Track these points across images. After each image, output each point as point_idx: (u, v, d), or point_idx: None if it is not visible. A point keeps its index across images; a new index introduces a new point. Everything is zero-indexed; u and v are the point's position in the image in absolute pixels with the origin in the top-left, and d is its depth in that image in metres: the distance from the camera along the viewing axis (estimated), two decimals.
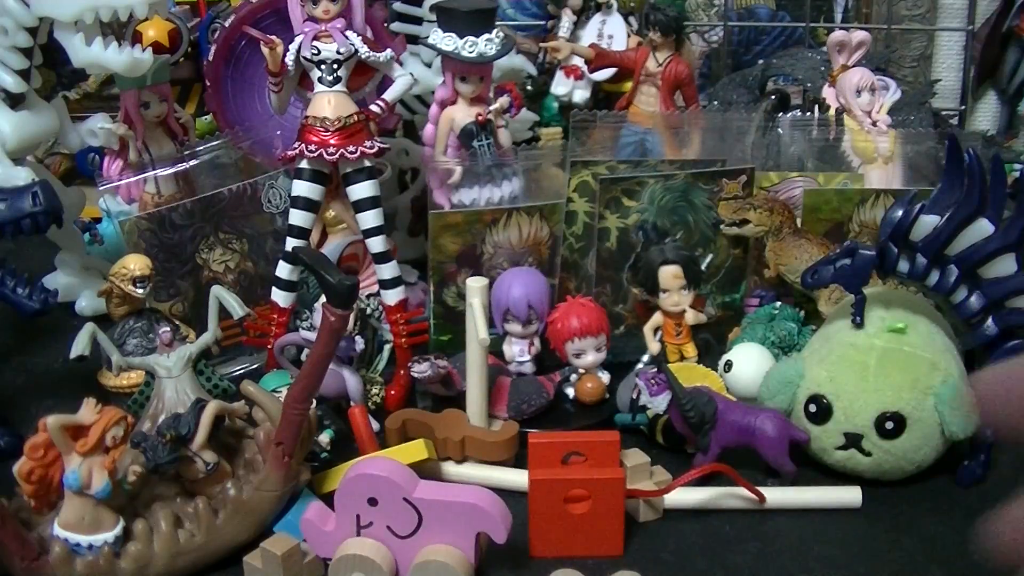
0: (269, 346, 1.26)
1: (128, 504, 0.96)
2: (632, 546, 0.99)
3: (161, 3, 1.29)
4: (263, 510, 0.99)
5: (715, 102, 1.65)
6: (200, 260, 1.36)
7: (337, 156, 1.19)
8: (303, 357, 1.26)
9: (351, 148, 1.20)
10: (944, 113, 1.79)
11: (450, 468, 1.11)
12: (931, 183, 1.27)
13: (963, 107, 1.88)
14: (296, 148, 1.21)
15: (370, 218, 1.23)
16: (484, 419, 1.14)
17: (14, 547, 0.90)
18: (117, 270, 1.28)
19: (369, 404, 1.22)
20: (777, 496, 1.04)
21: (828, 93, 1.50)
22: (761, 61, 1.71)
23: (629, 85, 1.52)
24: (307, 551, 0.95)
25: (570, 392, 1.23)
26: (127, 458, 0.96)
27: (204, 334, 1.25)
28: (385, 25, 1.48)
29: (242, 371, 1.33)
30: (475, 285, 1.13)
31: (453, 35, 1.24)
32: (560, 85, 1.59)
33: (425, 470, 1.04)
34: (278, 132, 1.42)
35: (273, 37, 1.20)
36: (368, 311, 1.28)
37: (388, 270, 1.26)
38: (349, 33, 1.20)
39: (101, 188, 1.38)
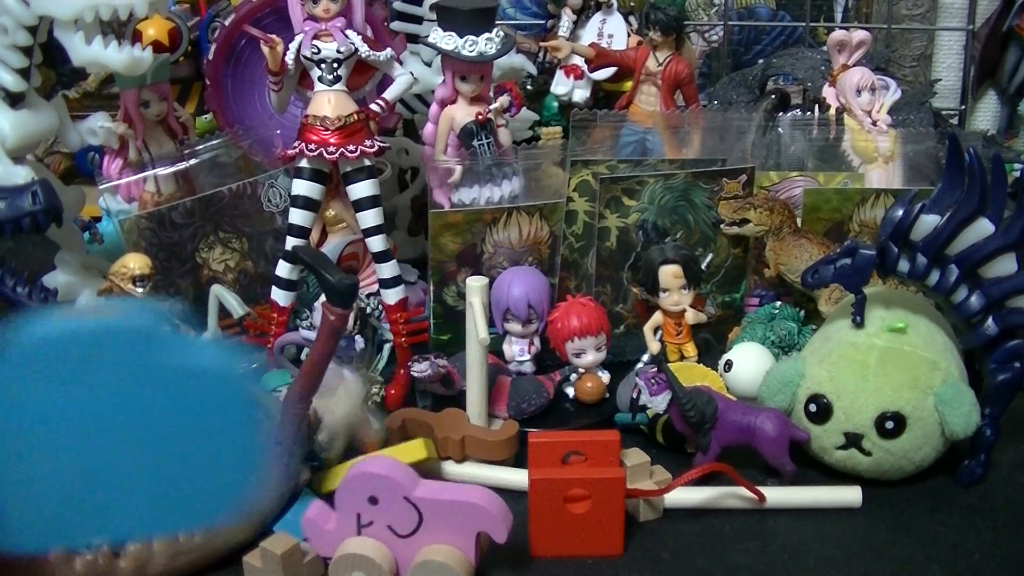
0: (269, 345, 1.26)
1: None
2: (632, 546, 0.99)
3: (161, 2, 1.28)
4: (263, 509, 0.99)
5: (715, 101, 1.65)
6: (200, 259, 1.36)
7: (337, 155, 1.19)
8: (303, 356, 1.26)
9: (351, 147, 1.20)
10: (944, 113, 1.79)
11: (450, 467, 1.11)
12: (931, 183, 1.27)
13: (963, 107, 1.88)
14: (296, 147, 1.21)
15: (370, 217, 1.23)
16: (484, 418, 1.14)
17: None
18: (117, 269, 1.28)
19: (369, 403, 1.22)
20: (777, 496, 1.04)
21: (828, 92, 1.50)
22: (761, 60, 1.71)
23: (629, 84, 1.52)
24: (307, 550, 0.95)
25: (570, 392, 1.23)
26: None
27: (203, 333, 1.25)
28: (385, 24, 1.48)
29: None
30: (475, 284, 1.13)
31: (453, 34, 1.24)
32: (560, 84, 1.59)
33: (425, 469, 1.04)
34: (278, 131, 1.42)
35: (273, 36, 1.20)
36: (368, 310, 1.28)
37: (388, 269, 1.26)
38: (349, 32, 1.20)
39: (101, 187, 1.38)
